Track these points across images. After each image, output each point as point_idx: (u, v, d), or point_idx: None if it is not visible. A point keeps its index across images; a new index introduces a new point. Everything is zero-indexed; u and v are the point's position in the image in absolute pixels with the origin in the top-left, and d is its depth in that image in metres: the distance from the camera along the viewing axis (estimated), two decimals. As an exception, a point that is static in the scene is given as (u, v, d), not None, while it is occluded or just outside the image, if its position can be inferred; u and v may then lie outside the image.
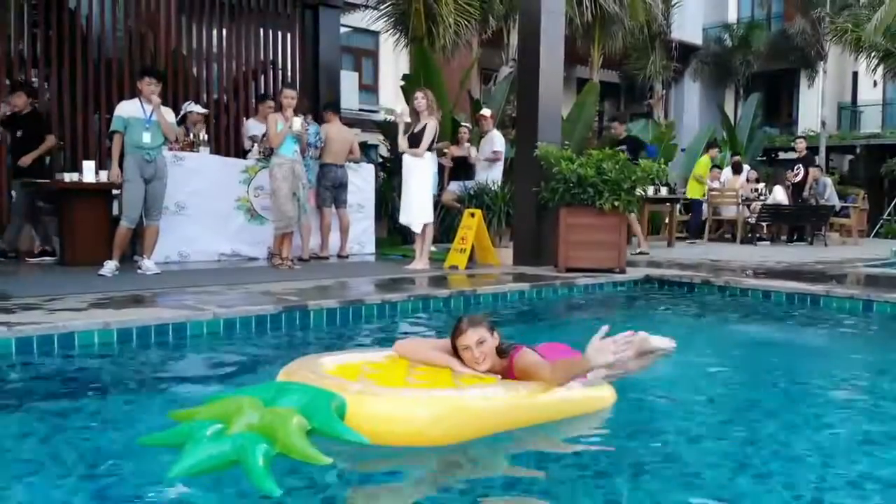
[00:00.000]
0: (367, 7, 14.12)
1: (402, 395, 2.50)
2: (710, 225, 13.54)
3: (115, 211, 7.29)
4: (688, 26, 21.83)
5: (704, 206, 13.38)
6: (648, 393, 3.38)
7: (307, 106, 9.12)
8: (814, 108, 22.53)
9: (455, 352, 2.88)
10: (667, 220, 12.33)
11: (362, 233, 9.17)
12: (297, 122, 7.13)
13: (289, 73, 10.73)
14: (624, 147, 8.44)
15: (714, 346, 4.83)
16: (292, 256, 7.30)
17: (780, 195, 13.42)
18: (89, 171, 7.10)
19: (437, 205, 8.93)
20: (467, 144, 10.02)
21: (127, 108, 6.48)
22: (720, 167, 13.93)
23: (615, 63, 19.73)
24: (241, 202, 8.03)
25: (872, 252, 11.03)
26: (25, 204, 7.54)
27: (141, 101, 6.48)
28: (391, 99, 16.86)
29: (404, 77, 12.24)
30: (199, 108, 8.50)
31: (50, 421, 2.91)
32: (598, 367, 2.75)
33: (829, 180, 14.36)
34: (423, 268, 7.32)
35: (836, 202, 13.93)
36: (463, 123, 10.73)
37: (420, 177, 7.39)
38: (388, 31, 13.71)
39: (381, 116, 16.78)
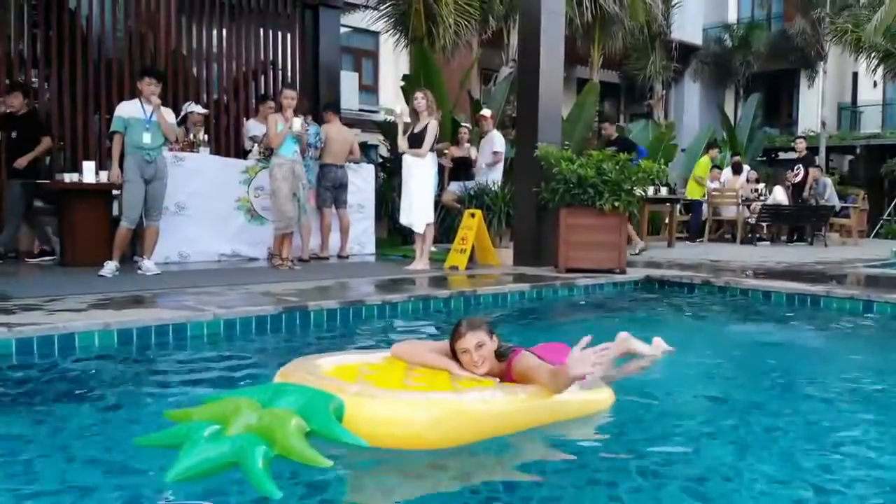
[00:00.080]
0: (367, 7, 14.11)
1: (400, 398, 2.48)
2: (710, 225, 13.55)
3: (116, 211, 7.29)
4: (688, 26, 21.83)
5: (704, 207, 13.38)
6: (648, 394, 3.38)
7: (307, 106, 9.12)
8: (814, 108, 22.54)
9: (454, 355, 2.87)
10: (667, 221, 12.33)
11: (362, 233, 9.18)
12: (297, 122, 7.13)
13: (289, 74, 10.73)
14: (614, 148, 8.46)
15: (714, 346, 4.82)
16: (292, 257, 7.30)
17: (780, 195, 13.42)
18: (89, 172, 7.11)
19: (437, 205, 8.93)
20: (467, 145, 10.02)
21: (127, 109, 6.47)
22: (720, 167, 13.93)
23: (615, 63, 19.74)
24: (242, 203, 8.03)
25: (872, 252, 11.03)
26: (22, 204, 7.52)
27: (141, 102, 6.48)
28: (391, 99, 16.86)
29: (404, 77, 12.24)
30: (199, 109, 8.50)
31: (50, 422, 2.91)
32: (578, 379, 2.73)
33: (829, 180, 14.36)
34: (424, 268, 7.32)
35: (836, 202, 13.93)
36: (463, 124, 10.73)
37: (421, 177, 7.39)
38: (388, 31, 13.71)
39: (381, 117, 16.78)
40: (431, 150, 7.45)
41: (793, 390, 3.69)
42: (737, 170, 14.11)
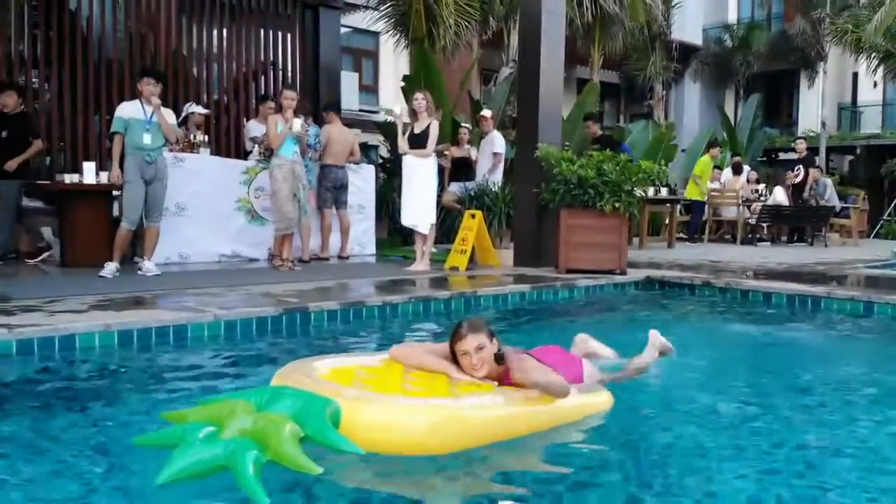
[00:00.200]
0: (367, 8, 14.11)
1: (398, 403, 2.46)
2: (710, 226, 13.54)
3: (116, 212, 7.29)
4: (688, 27, 21.84)
5: (706, 207, 13.35)
6: (647, 396, 3.38)
7: (308, 108, 9.12)
8: (814, 108, 22.53)
9: (453, 356, 2.86)
10: (667, 221, 12.33)
11: (363, 234, 9.17)
12: (297, 123, 7.12)
13: (289, 74, 10.73)
14: (598, 146, 8.50)
15: (714, 348, 4.82)
16: (293, 258, 7.30)
17: (780, 196, 13.42)
18: (90, 173, 7.10)
19: (438, 206, 8.92)
20: (467, 146, 10.02)
21: (127, 110, 6.47)
22: (720, 168, 13.93)
23: (615, 64, 19.74)
24: (242, 203, 8.03)
25: (873, 253, 11.03)
26: (14, 205, 7.45)
27: (141, 103, 6.47)
28: (391, 100, 16.83)
29: (405, 78, 12.24)
30: (200, 110, 8.50)
31: (49, 423, 2.91)
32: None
33: (829, 181, 14.36)
34: (424, 269, 7.32)
35: (837, 203, 13.93)
36: (463, 124, 10.72)
37: (425, 178, 7.39)
38: (388, 31, 13.70)
39: (381, 117, 16.77)
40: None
41: (794, 392, 3.68)
42: (737, 170, 14.11)
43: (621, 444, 2.79)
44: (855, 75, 23.52)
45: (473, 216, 7.72)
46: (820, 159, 19.30)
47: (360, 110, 17.91)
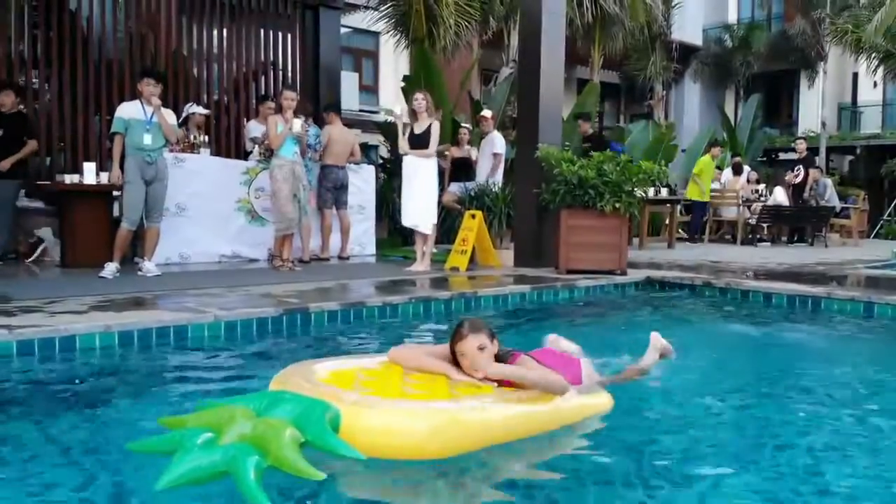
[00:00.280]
0: (367, 8, 14.11)
1: (399, 407, 2.44)
2: (710, 226, 13.54)
3: (116, 213, 7.29)
4: (688, 27, 21.84)
5: (707, 207, 13.33)
6: (647, 398, 3.37)
7: (309, 109, 9.12)
8: (814, 108, 22.53)
9: (453, 356, 2.84)
10: (667, 222, 12.33)
11: (363, 234, 9.17)
12: (297, 123, 7.12)
13: (289, 74, 10.73)
14: (588, 144, 8.53)
15: (715, 348, 4.81)
16: (293, 258, 7.30)
17: (780, 196, 13.42)
18: (90, 173, 7.11)
19: (438, 206, 8.92)
20: (468, 146, 10.02)
21: (128, 110, 6.47)
22: (720, 168, 13.92)
23: (616, 64, 19.75)
24: (242, 204, 8.03)
25: (873, 253, 11.03)
26: (10, 205, 7.44)
27: (142, 103, 6.47)
28: (391, 100, 16.84)
29: (405, 78, 12.24)
30: (201, 110, 8.50)
31: (49, 425, 2.91)
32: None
33: (829, 181, 14.36)
34: (425, 269, 7.32)
35: (837, 203, 13.94)
36: (463, 124, 10.73)
37: (426, 178, 7.39)
38: (388, 31, 13.71)
39: (381, 117, 16.78)
40: (432, 151, 7.45)
41: (795, 393, 3.68)
42: (737, 170, 14.11)
43: (621, 446, 2.78)
44: (855, 75, 23.52)
45: (474, 216, 7.72)
46: (820, 159, 19.31)
47: (361, 110, 17.91)
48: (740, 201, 13.13)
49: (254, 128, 8.68)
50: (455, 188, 9.66)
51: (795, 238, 13.44)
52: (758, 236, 13.03)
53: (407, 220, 7.59)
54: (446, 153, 9.75)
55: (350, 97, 16.00)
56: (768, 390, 3.68)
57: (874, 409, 3.39)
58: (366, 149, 12.69)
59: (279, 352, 4.35)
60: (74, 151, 8.76)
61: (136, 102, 6.53)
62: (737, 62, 22.76)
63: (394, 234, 11.06)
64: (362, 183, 9.09)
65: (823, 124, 21.60)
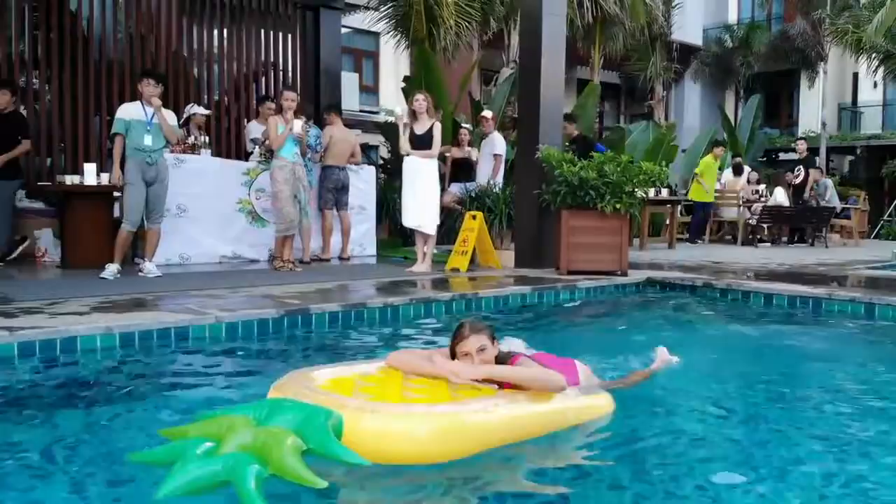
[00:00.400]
0: (367, 8, 14.11)
1: (400, 412, 2.44)
2: (710, 226, 13.53)
3: (117, 214, 7.29)
4: (688, 27, 21.83)
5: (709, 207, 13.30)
6: (648, 399, 3.37)
7: (307, 111, 9.11)
8: (814, 109, 22.54)
9: (453, 357, 2.84)
10: (668, 222, 12.32)
11: (363, 235, 9.17)
12: (298, 124, 7.12)
13: (289, 75, 10.73)
14: (574, 145, 8.53)
15: (715, 349, 4.82)
16: (293, 259, 7.29)
17: (780, 197, 13.42)
18: (90, 174, 7.10)
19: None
20: (468, 147, 10.02)
21: (128, 111, 6.47)
22: (721, 168, 13.91)
23: (616, 64, 19.74)
24: (243, 204, 8.02)
25: (873, 254, 11.03)
26: (8, 205, 7.42)
27: (142, 104, 6.47)
28: (392, 100, 16.87)
29: (405, 79, 12.24)
30: (202, 111, 8.50)
31: (49, 427, 2.90)
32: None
33: (829, 181, 14.36)
34: (426, 270, 7.31)
35: (837, 203, 13.93)
36: (463, 125, 10.72)
37: (428, 179, 7.39)
38: (388, 32, 13.71)
39: (381, 117, 16.79)
40: (433, 151, 7.46)
41: (796, 393, 3.68)
42: (737, 171, 14.10)
43: (622, 447, 2.78)
44: (855, 76, 23.53)
45: (474, 217, 7.71)
46: (820, 160, 19.31)
47: (361, 111, 17.92)
48: (741, 202, 13.12)
49: (254, 128, 8.68)
50: (455, 189, 9.66)
51: (796, 239, 13.44)
52: (758, 237, 13.03)
53: (409, 221, 7.57)
54: (447, 154, 9.75)
55: (350, 98, 16.02)
56: (769, 392, 3.67)
57: (877, 409, 3.39)
58: (366, 149, 12.71)
59: (280, 353, 4.35)
60: (75, 152, 8.77)
61: (137, 103, 6.52)
62: (737, 62, 22.78)
63: (394, 235, 11.05)
64: (363, 183, 9.08)
65: (824, 124, 21.61)
